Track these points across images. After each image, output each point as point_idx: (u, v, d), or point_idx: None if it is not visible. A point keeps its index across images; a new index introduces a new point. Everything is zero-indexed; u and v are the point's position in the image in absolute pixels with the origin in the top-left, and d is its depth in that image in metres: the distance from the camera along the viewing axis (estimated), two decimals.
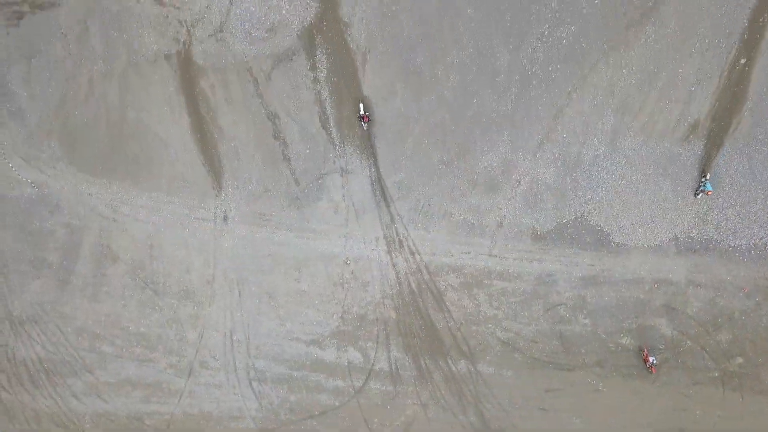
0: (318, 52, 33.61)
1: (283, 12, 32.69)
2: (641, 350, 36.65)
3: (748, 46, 31.48)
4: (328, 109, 34.81)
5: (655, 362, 35.94)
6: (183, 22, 32.74)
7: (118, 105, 34.62)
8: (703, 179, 34.11)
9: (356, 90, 34.38)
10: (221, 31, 32.86)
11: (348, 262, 37.13)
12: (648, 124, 33.69)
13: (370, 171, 35.86)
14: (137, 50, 33.15)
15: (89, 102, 34.85)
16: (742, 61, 31.73)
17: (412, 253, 36.86)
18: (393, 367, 38.07)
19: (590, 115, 33.72)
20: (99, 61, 33.55)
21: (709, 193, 34.08)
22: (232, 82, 33.86)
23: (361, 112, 34.27)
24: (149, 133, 35.41)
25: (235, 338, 38.41)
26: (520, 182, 35.37)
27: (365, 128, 34.57)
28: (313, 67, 33.95)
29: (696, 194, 34.67)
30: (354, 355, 38.14)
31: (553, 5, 31.44)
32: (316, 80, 34.27)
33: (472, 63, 33.00)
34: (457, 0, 32.24)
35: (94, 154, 36.27)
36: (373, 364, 38.16)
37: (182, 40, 33.05)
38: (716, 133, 33.42)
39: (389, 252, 36.93)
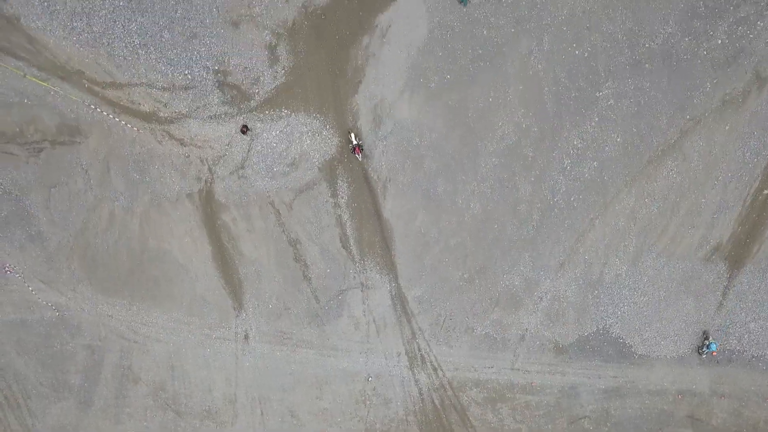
0: (339, 181, 33.56)
1: (305, 146, 32.64)
2: None
3: None
4: (349, 230, 34.75)
5: None
6: (204, 161, 32.65)
7: (139, 235, 34.53)
8: (706, 341, 34.43)
9: (377, 210, 34.31)
10: (243, 167, 32.76)
11: (370, 378, 36.97)
12: (670, 246, 33.69)
13: (390, 286, 35.77)
14: (159, 191, 33.02)
15: (110, 231, 34.76)
16: (765, 191, 31.75)
17: (435, 369, 36.72)
18: None
19: (612, 239, 33.70)
20: (120, 197, 33.45)
21: (714, 353, 34.58)
22: (254, 214, 33.79)
23: (354, 142, 32.28)
24: (170, 259, 35.30)
25: None
26: (541, 299, 35.32)
27: (360, 159, 32.79)
28: (334, 194, 33.90)
29: (701, 353, 34.94)
30: None
31: (575, 143, 31.44)
32: (336, 205, 34.21)
33: (493, 193, 32.98)
34: (479, 137, 32.21)
35: (114, 276, 36.10)
36: None
37: (204, 178, 32.97)
38: (738, 255, 33.42)
39: (411, 368, 36.78)
